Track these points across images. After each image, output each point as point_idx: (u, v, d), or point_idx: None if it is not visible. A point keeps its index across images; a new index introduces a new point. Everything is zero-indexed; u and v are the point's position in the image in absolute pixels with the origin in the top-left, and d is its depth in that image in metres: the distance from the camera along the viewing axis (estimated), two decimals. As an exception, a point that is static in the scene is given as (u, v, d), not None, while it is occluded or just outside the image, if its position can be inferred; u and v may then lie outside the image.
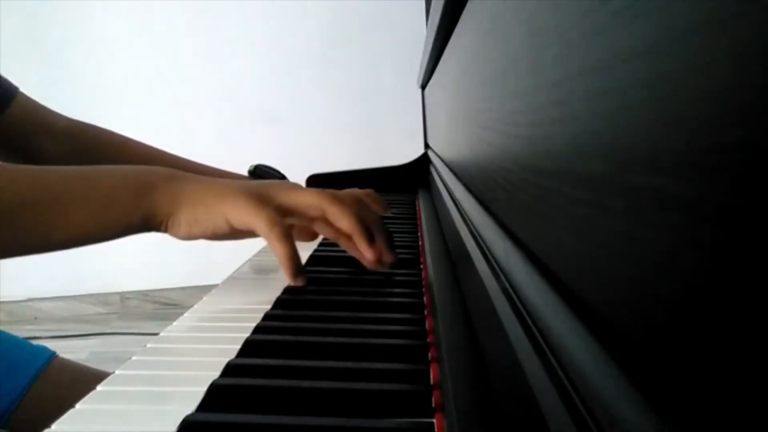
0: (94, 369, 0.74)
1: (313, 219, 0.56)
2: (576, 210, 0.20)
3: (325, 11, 2.43)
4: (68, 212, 0.49)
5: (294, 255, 0.52)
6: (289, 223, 0.54)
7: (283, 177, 0.93)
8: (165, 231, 0.53)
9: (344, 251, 0.61)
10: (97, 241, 0.51)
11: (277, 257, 0.51)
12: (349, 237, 0.55)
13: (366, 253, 0.55)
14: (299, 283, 0.53)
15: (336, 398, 0.34)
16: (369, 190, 0.73)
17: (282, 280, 0.55)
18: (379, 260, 0.56)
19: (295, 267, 0.52)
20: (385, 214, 0.92)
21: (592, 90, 0.18)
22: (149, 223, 0.52)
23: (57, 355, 0.73)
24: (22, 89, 0.81)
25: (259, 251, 0.75)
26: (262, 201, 0.52)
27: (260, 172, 0.92)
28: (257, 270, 0.67)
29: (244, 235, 0.54)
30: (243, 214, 0.51)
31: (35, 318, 2.40)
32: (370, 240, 0.54)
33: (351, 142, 2.48)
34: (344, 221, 0.53)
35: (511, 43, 0.31)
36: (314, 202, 0.53)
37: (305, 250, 0.73)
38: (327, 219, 0.54)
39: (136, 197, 0.51)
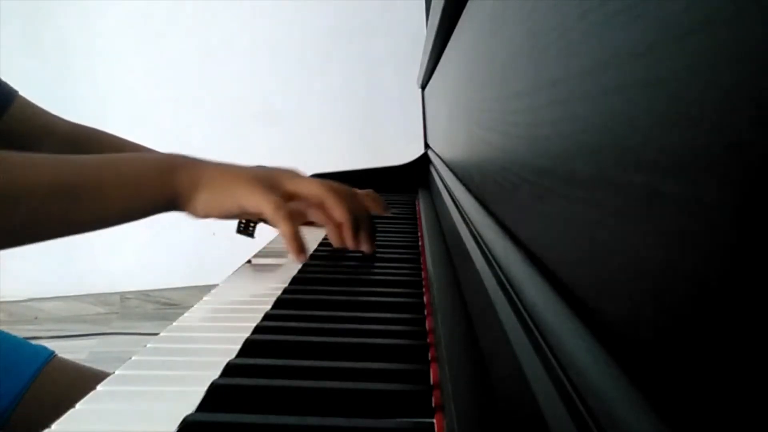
0: (94, 369, 0.74)
1: (310, 205, 0.63)
2: (576, 210, 0.20)
3: (325, 11, 2.43)
4: (104, 195, 0.54)
5: (297, 234, 0.58)
6: (293, 207, 0.60)
7: None
8: (184, 210, 0.59)
9: (344, 252, 0.65)
10: (127, 221, 0.56)
11: (282, 236, 0.59)
12: (336, 225, 0.63)
13: (348, 242, 0.63)
14: (302, 259, 0.59)
15: (336, 398, 0.34)
16: (369, 191, 0.74)
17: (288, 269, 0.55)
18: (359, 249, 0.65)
19: (298, 244, 0.58)
20: (385, 214, 0.92)
21: (592, 90, 0.18)
22: (173, 203, 0.58)
23: (56, 355, 0.73)
24: (21, 90, 0.80)
25: (257, 253, 0.75)
26: (271, 187, 0.59)
27: None
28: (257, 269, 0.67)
29: (251, 215, 0.61)
30: (253, 198, 0.57)
31: (35, 318, 2.40)
32: (356, 232, 0.62)
33: (351, 142, 2.48)
34: (338, 212, 0.61)
35: (511, 43, 0.31)
36: (315, 191, 0.61)
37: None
38: (323, 207, 0.61)
39: (161, 180, 0.57)
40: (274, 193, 0.58)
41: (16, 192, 0.50)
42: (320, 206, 0.62)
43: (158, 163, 0.58)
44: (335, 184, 0.63)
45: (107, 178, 0.55)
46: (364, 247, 0.64)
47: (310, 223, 0.68)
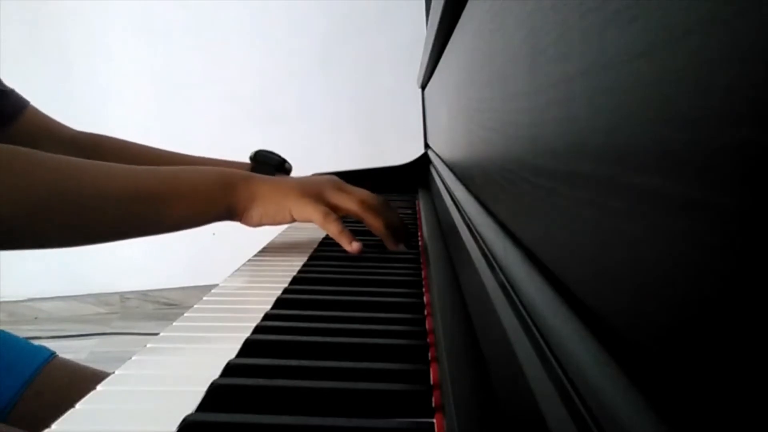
0: (94, 369, 0.75)
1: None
2: (576, 210, 0.20)
3: (326, 11, 2.43)
4: (175, 204, 0.61)
5: (344, 231, 0.66)
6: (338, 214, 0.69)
7: (284, 161, 0.95)
8: (240, 220, 0.67)
9: (343, 251, 0.67)
10: (191, 227, 0.64)
11: (332, 236, 0.67)
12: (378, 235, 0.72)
13: (391, 248, 0.71)
14: (356, 247, 0.66)
15: (336, 398, 0.34)
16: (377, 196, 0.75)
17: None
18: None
19: (347, 238, 0.66)
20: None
21: (592, 90, 0.18)
22: (230, 214, 0.66)
23: (56, 355, 0.73)
24: (22, 90, 0.83)
25: (257, 253, 0.75)
26: (317, 199, 0.67)
27: (261, 157, 0.95)
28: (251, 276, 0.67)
29: (299, 221, 0.69)
30: (304, 210, 0.66)
31: (35, 318, 2.40)
32: (396, 241, 0.71)
33: (351, 142, 2.48)
34: (374, 228, 0.70)
35: (511, 43, 0.31)
36: (353, 208, 0.69)
37: (304, 254, 0.73)
38: (362, 221, 0.70)
39: (221, 194, 0.64)
40: (321, 203, 0.67)
41: (101, 197, 0.57)
42: (359, 220, 0.70)
43: (222, 177, 0.65)
44: (369, 200, 0.70)
45: (179, 188, 0.62)
46: (400, 248, 0.72)
47: None
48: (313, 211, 0.66)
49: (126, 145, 0.90)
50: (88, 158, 0.84)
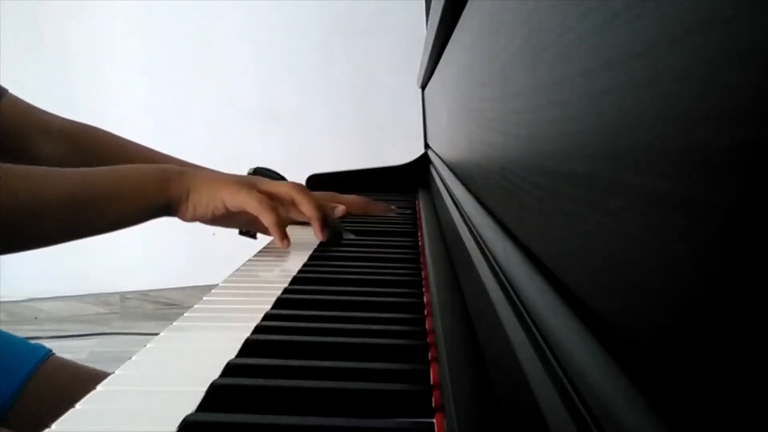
0: (93, 369, 0.74)
1: (284, 203, 0.70)
2: (576, 210, 0.20)
3: (326, 11, 2.43)
4: (108, 205, 0.62)
5: (280, 222, 0.66)
6: (273, 202, 0.68)
7: (282, 178, 0.94)
8: (176, 215, 0.66)
9: (343, 251, 0.68)
10: (135, 224, 0.64)
11: (266, 224, 0.66)
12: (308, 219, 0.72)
13: (317, 235, 0.72)
14: (285, 245, 0.67)
15: (336, 398, 0.34)
16: (353, 196, 0.77)
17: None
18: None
19: (281, 231, 0.67)
20: (390, 214, 0.94)
21: (592, 90, 0.18)
22: (167, 209, 0.65)
23: (53, 354, 0.72)
24: (22, 90, 0.80)
25: (257, 253, 0.75)
26: (250, 187, 0.66)
27: (259, 174, 0.93)
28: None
29: (235, 217, 0.68)
30: (237, 198, 0.65)
31: (35, 318, 2.40)
32: (323, 226, 0.71)
33: (351, 142, 2.48)
34: (306, 207, 0.70)
35: (511, 43, 0.31)
36: (286, 190, 0.69)
37: (304, 254, 0.73)
38: (295, 204, 0.70)
39: (157, 189, 0.64)
40: (254, 190, 0.65)
41: (38, 203, 0.58)
42: (292, 204, 0.70)
43: (157, 172, 0.65)
44: (301, 186, 0.71)
45: (116, 188, 0.62)
46: (324, 238, 0.72)
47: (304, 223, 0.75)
48: (246, 196, 0.65)
49: (110, 137, 0.86)
50: (81, 150, 0.83)
